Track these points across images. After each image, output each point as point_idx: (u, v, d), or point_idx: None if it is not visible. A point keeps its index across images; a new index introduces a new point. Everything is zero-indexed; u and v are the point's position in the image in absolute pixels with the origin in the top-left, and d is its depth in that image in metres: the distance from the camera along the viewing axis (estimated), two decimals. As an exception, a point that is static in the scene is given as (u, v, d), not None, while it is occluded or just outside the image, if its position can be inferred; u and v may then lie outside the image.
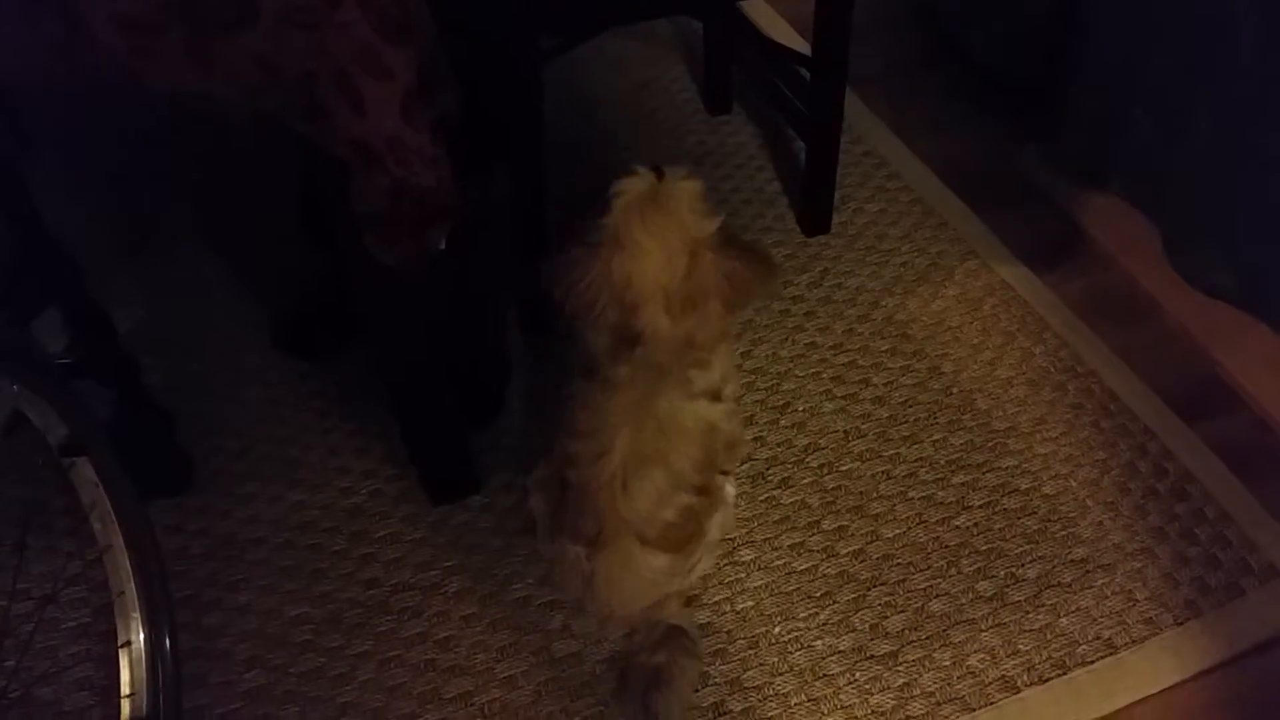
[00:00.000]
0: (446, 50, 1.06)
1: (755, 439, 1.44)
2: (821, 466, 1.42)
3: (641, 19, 1.70)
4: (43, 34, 0.89)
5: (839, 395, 1.50)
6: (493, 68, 1.28)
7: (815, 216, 1.69)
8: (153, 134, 1.82)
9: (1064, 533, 1.35)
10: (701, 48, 1.85)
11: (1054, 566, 1.32)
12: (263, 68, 0.93)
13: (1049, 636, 1.25)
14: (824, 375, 1.52)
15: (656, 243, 1.05)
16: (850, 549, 1.34)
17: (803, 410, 1.48)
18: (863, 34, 1.57)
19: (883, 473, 1.41)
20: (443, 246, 1.13)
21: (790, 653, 1.25)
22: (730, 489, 1.28)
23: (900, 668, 1.23)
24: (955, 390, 1.49)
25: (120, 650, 1.13)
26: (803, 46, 1.59)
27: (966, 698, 1.21)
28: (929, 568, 1.32)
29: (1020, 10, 1.76)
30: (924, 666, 1.23)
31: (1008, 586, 1.30)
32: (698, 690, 1.21)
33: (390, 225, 1.07)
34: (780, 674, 1.23)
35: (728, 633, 1.26)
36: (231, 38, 0.91)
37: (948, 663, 1.23)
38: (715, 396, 1.14)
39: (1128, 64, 1.59)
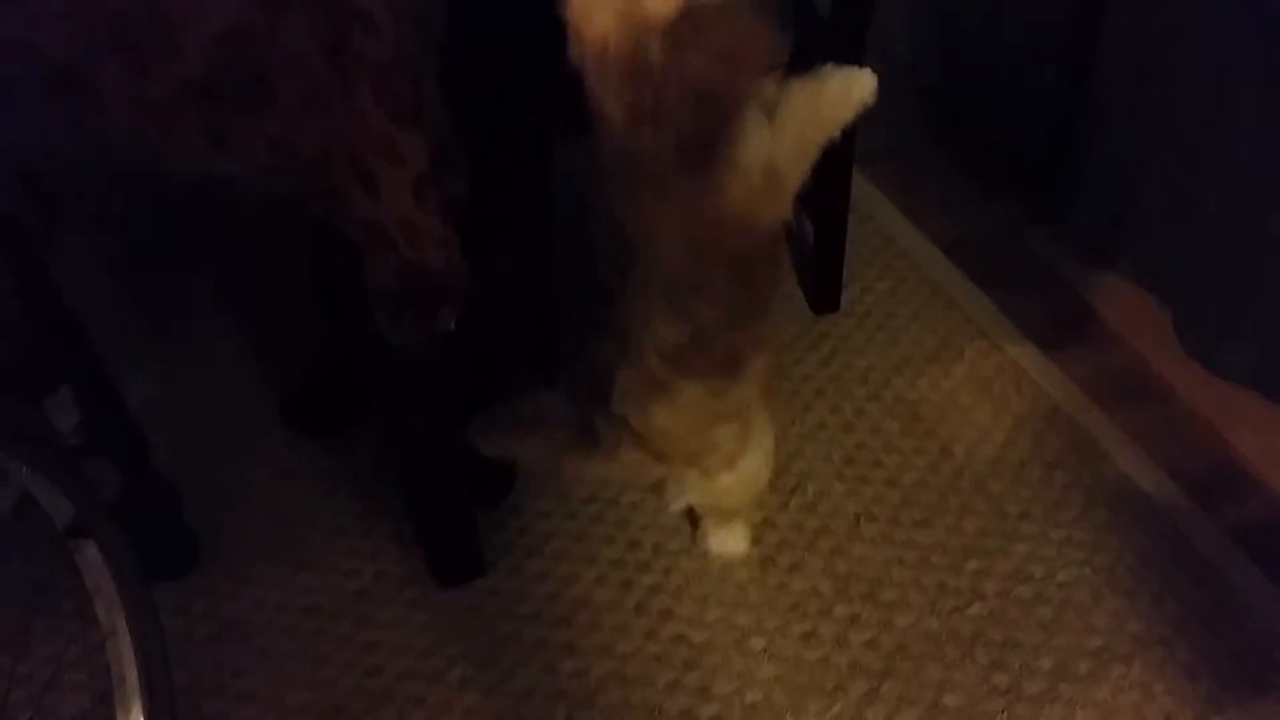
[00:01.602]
0: (458, 133, 1.07)
1: (764, 521, 1.43)
2: (833, 551, 1.40)
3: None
4: (62, 112, 0.90)
5: (850, 477, 1.48)
6: (503, 151, 1.29)
7: (824, 295, 1.70)
8: (165, 206, 1.84)
9: (1079, 623, 1.32)
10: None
11: (1069, 657, 1.29)
12: (278, 149, 0.95)
13: (1066, 731, 1.23)
14: (834, 456, 1.51)
15: None
16: (863, 638, 1.31)
17: (813, 492, 1.47)
18: (870, 114, 1.59)
19: (895, 558, 1.39)
20: (453, 326, 1.13)
21: (801, 747, 1.22)
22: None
23: (914, 763, 1.20)
24: (967, 473, 1.48)
25: (119, 739, 1.11)
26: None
27: (983, 795, 1.18)
28: (943, 659, 1.29)
29: (1027, 91, 1.78)
30: (939, 762, 1.20)
31: (1023, 679, 1.27)
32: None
33: (401, 304, 1.07)
34: (791, 769, 1.20)
35: (737, 725, 1.24)
36: (248, 120, 0.92)
37: (963, 758, 1.20)
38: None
39: (1135, 145, 1.61)
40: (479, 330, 1.18)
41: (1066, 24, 1.66)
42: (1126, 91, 1.59)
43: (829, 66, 1.05)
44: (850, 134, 1.52)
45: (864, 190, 1.85)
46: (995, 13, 1.78)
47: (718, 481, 1.28)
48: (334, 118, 0.90)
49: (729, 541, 1.38)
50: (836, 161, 1.56)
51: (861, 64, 1.48)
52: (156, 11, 0.82)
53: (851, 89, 1.04)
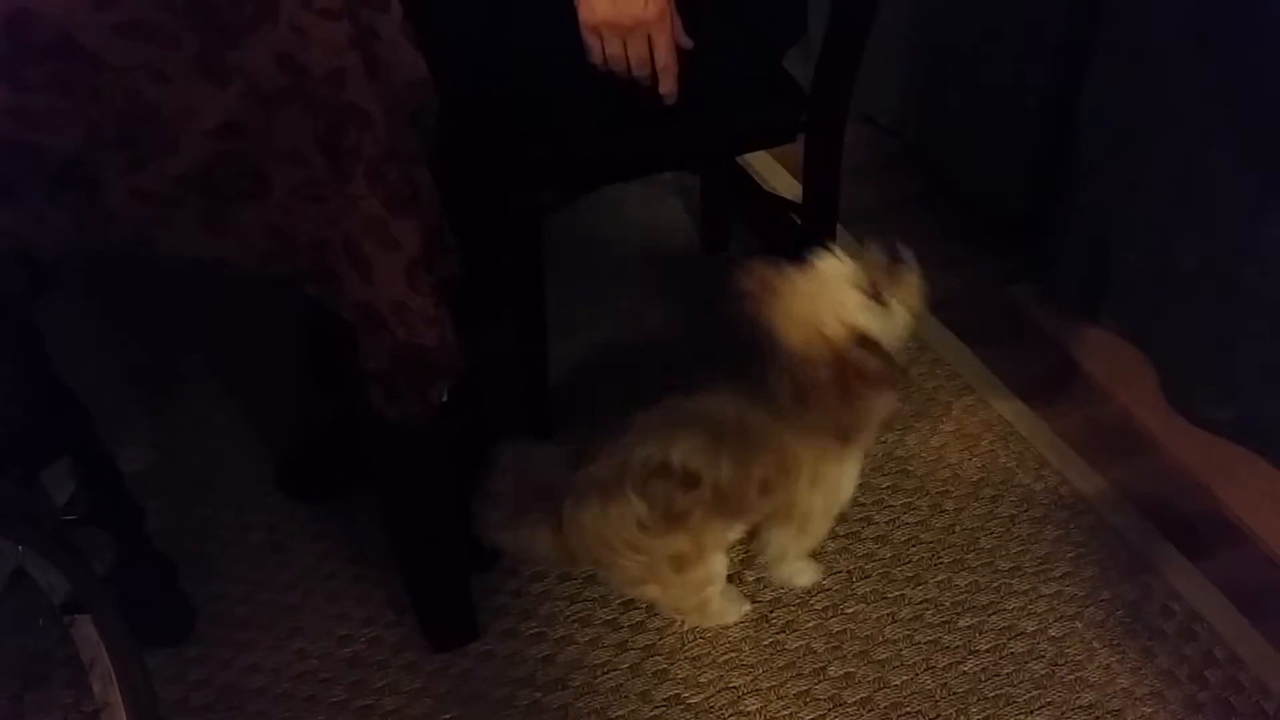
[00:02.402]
0: (449, 208, 1.10)
1: (758, 580, 1.44)
2: (826, 609, 1.41)
3: (641, 175, 1.75)
4: (63, 205, 0.92)
5: (841, 534, 1.49)
6: (494, 224, 1.32)
7: (813, 352, 1.71)
8: (161, 272, 1.86)
9: (1071, 677, 1.33)
10: (698, 191, 1.91)
11: (1063, 712, 1.30)
12: (274, 235, 0.97)
13: (1062, 790, 1.23)
14: (826, 513, 1.52)
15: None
16: (858, 697, 1.32)
17: (805, 550, 1.48)
18: (858, 174, 1.63)
19: (888, 615, 1.40)
20: (445, 399, 1.15)
21: (798, 810, 1.22)
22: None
23: (911, 825, 1.20)
24: (958, 528, 1.49)
25: (112, 815, 1.11)
26: (799, 191, 1.64)
27: None
28: (938, 717, 1.30)
29: (1008, 152, 1.81)
30: (935, 823, 1.20)
31: (1017, 736, 1.28)
32: None
33: (394, 382, 1.09)
34: (788, 833, 1.20)
35: (733, 788, 1.24)
36: (244, 208, 0.95)
37: (959, 819, 1.21)
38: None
39: (1115, 205, 1.64)
40: (473, 400, 1.20)
41: (1046, 88, 1.70)
42: (1105, 153, 1.63)
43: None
44: (835, 193, 1.57)
45: (850, 249, 1.88)
46: (976, 75, 1.82)
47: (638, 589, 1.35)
48: (329, 206, 0.93)
49: (705, 618, 1.40)
50: (819, 228, 1.59)
51: (844, 127, 1.53)
52: (154, 108, 0.85)
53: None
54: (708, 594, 1.34)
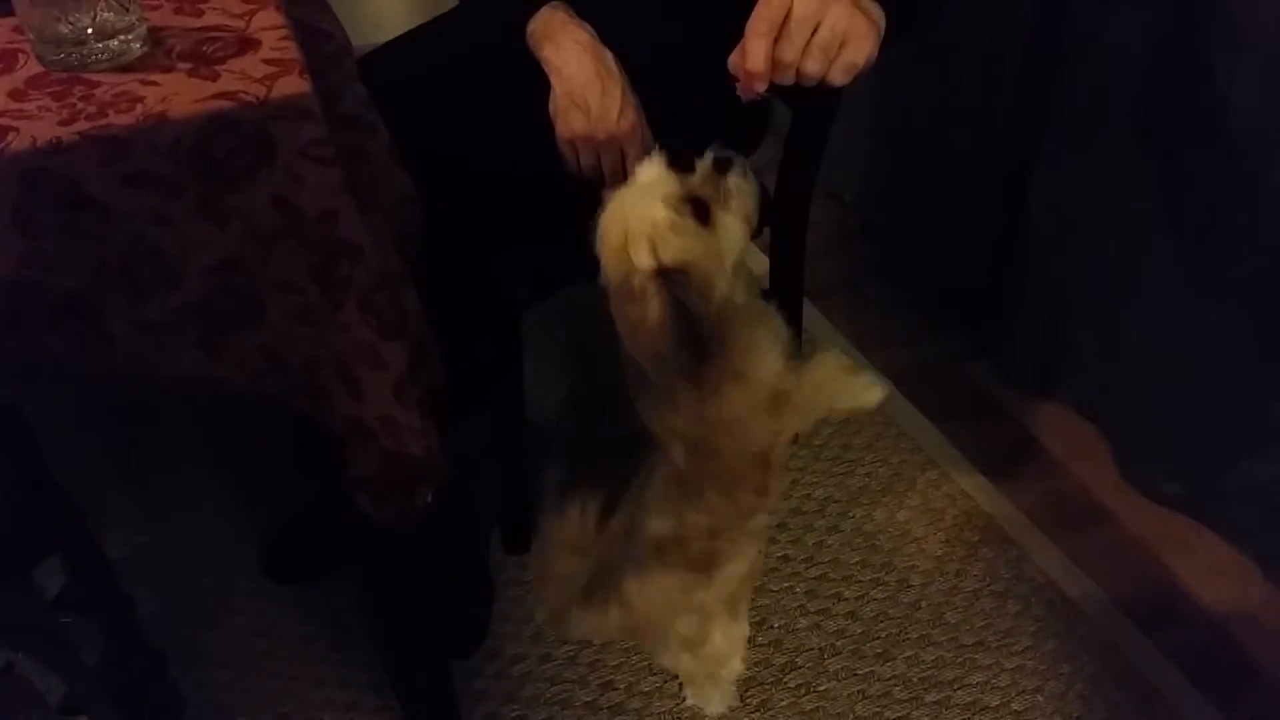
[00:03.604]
0: (430, 309, 1.15)
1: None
2: (799, 687, 1.46)
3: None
4: (66, 332, 0.96)
5: (813, 610, 1.55)
6: (473, 321, 1.37)
7: (783, 428, 1.77)
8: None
9: (1035, 751, 1.39)
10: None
11: (1027, 787, 1.35)
12: (268, 356, 1.01)
13: None
14: (798, 590, 1.57)
15: None
16: (828, 776, 1.37)
17: (778, 627, 1.53)
18: (823, 249, 1.69)
19: (858, 692, 1.45)
20: (430, 500, 1.19)
21: None
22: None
23: None
24: (924, 604, 1.55)
25: None
26: (766, 267, 1.70)
27: None
28: (906, 794, 1.35)
29: (964, 233, 1.89)
30: None
31: (983, 812, 1.33)
32: None
33: (380, 487, 1.13)
34: None
35: None
36: (241, 333, 0.99)
37: None
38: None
39: (1067, 287, 1.72)
40: (455, 497, 1.24)
41: (1000, 172, 1.78)
42: (1055, 237, 1.71)
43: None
44: (800, 271, 1.63)
45: (816, 324, 1.95)
46: (934, 157, 1.90)
47: (680, 659, 1.37)
48: (322, 331, 0.97)
49: (703, 700, 1.43)
50: (786, 302, 1.65)
51: (808, 214, 1.59)
52: (157, 248, 0.90)
53: (863, 393, 1.16)
54: (733, 665, 1.37)
